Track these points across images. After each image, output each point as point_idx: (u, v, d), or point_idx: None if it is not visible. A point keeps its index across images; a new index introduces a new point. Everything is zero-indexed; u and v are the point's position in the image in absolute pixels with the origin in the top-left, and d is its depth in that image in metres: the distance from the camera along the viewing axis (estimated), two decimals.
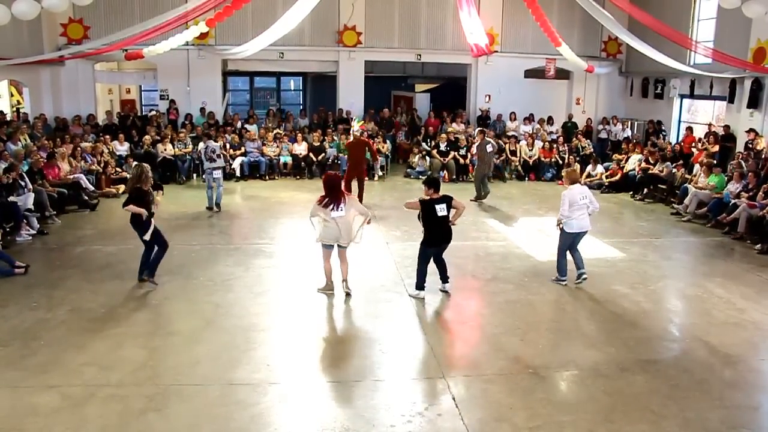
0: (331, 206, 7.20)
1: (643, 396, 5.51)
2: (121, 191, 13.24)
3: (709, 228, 11.51)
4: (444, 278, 7.77)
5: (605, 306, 7.50)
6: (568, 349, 6.45)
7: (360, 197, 11.73)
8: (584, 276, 8.12)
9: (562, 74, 18.86)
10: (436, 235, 7.44)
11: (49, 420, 4.93)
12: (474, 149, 14.36)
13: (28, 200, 10.14)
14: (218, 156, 11.70)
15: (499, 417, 5.14)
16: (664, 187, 13.83)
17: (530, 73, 18.78)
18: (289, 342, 6.44)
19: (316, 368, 5.93)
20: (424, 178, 16.38)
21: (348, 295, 7.57)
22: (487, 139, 13.61)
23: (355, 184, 12.15)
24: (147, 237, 7.63)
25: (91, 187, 12.63)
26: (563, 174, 8.63)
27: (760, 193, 10.79)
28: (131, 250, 8.73)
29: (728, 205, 11.30)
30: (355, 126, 13.38)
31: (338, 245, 7.44)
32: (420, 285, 7.61)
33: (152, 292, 7.63)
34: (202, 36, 15.46)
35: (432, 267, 7.67)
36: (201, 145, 12.17)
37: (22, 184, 10.20)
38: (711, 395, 5.57)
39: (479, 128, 15.39)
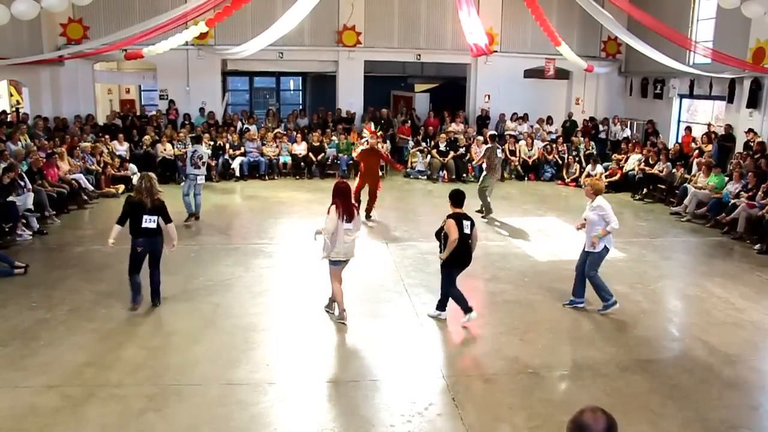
0: (345, 217, 6.58)
1: (643, 396, 5.52)
2: (120, 191, 13.25)
3: (709, 228, 11.52)
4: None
5: None
6: (568, 349, 6.46)
7: (369, 209, 11.39)
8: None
9: (562, 74, 18.86)
10: (462, 255, 6.69)
11: (49, 420, 4.93)
12: (480, 153, 12.32)
13: (27, 200, 10.14)
14: (203, 164, 11.02)
15: (498, 417, 5.15)
16: (663, 187, 13.84)
17: (530, 73, 18.77)
18: (288, 342, 6.44)
19: (316, 368, 5.92)
20: (424, 178, 16.10)
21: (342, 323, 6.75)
22: (497, 145, 12.09)
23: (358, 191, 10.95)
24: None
25: (91, 187, 12.64)
26: (586, 183, 7.30)
27: (760, 192, 10.80)
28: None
29: (727, 205, 11.31)
30: (367, 133, 11.89)
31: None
32: (442, 306, 7.00)
33: None
34: (202, 36, 15.46)
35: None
36: (189, 149, 11.36)
37: (22, 184, 10.19)
38: (711, 395, 5.58)
39: (491, 133, 13.30)
